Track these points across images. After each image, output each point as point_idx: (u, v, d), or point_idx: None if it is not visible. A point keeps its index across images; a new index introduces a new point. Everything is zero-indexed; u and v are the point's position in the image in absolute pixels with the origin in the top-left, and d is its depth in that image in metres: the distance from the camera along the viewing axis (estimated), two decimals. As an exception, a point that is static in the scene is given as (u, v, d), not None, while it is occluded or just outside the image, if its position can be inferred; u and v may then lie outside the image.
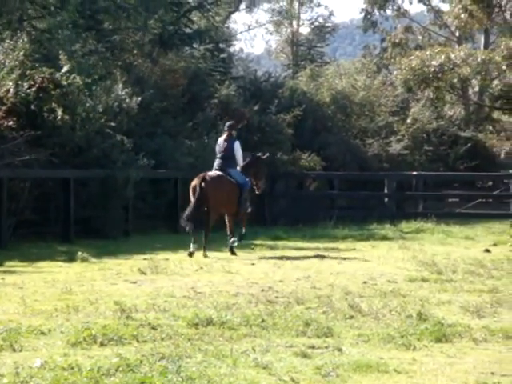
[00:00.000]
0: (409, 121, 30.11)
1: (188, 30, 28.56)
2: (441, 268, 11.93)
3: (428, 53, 30.47)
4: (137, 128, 20.22)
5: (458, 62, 29.88)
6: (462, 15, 34.08)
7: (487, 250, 15.45)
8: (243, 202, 15.01)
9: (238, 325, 7.52)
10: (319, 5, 54.44)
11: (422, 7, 48.98)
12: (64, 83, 17.17)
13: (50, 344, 6.73)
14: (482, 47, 38.44)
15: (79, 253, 13.05)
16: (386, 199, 23.53)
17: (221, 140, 15.25)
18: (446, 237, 18.58)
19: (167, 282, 10.56)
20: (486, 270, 11.95)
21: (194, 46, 28.32)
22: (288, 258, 13.99)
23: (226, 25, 43.61)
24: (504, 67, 30.25)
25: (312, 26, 53.20)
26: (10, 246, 14.78)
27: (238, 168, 15.11)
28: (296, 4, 52.60)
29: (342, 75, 32.49)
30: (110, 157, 17.84)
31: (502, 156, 34.17)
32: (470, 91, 39.31)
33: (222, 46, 33.67)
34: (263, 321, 7.72)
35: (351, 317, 8.10)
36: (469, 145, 31.68)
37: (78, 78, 17.46)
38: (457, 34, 42.15)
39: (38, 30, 22.73)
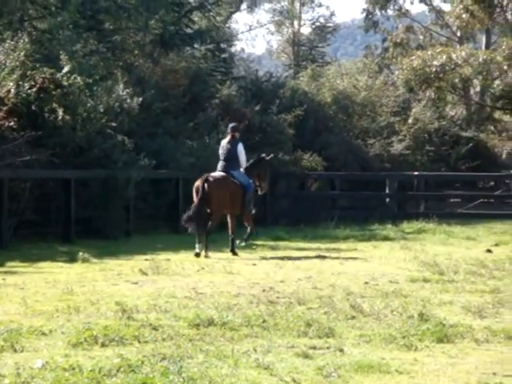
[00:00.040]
0: (410, 121, 30.10)
1: (189, 30, 28.55)
2: (442, 268, 11.92)
3: (429, 53, 30.49)
4: (138, 128, 20.21)
5: (460, 62, 29.89)
6: (464, 15, 34.07)
7: (489, 251, 15.44)
8: (247, 203, 15.02)
9: (239, 325, 7.51)
10: (320, 5, 54.45)
11: (423, 7, 49.04)
12: (65, 83, 17.17)
13: (51, 345, 6.72)
14: (483, 47, 38.42)
15: (80, 253, 13.03)
16: (388, 199, 23.52)
17: (224, 142, 15.25)
18: (448, 237, 18.57)
19: (168, 283, 10.55)
20: (487, 271, 11.94)
21: (195, 46, 28.32)
22: (289, 258, 13.99)
23: (227, 25, 43.58)
24: (505, 67, 30.26)
25: (313, 26, 53.20)
26: (11, 247, 14.77)
27: (242, 169, 15.12)
28: (297, 4, 52.60)
29: (343, 75, 32.49)
30: (111, 157, 17.83)
31: (504, 156, 34.16)
32: (472, 91, 39.30)
33: (223, 46, 33.67)
34: (264, 321, 7.71)
35: (353, 317, 8.08)
36: (470, 145, 31.66)
37: (78, 79, 17.46)
38: (458, 34, 42.13)
39: (38, 30, 22.73)
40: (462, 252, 15.30)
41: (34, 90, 16.62)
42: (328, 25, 53.47)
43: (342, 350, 6.63)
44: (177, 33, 27.34)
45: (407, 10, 46.15)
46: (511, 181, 28.62)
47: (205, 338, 7.03)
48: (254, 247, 15.51)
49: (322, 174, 24.59)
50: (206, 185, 14.46)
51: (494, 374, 6.04)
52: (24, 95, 16.51)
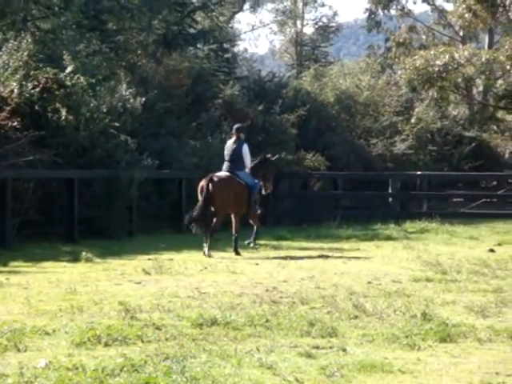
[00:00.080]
0: (413, 120, 30.07)
1: (192, 31, 28.57)
2: (445, 268, 11.91)
3: (432, 52, 30.46)
4: (141, 128, 20.23)
5: (462, 62, 29.87)
6: (466, 15, 34.06)
7: (492, 250, 15.43)
8: (253, 203, 15.04)
9: (242, 325, 7.52)
10: (323, 5, 54.37)
11: (425, 7, 48.96)
12: (68, 83, 17.18)
13: (55, 344, 6.73)
14: (486, 47, 38.39)
15: (83, 253, 13.05)
16: (391, 199, 23.51)
17: (229, 143, 15.27)
18: (451, 237, 18.56)
19: (171, 283, 10.56)
20: (490, 270, 11.93)
21: (198, 46, 28.34)
22: (292, 258, 13.98)
23: (229, 25, 43.62)
24: (508, 67, 30.23)
25: (316, 26, 53.19)
26: (15, 247, 14.78)
27: (247, 170, 15.14)
28: (300, 4, 52.59)
29: (346, 75, 32.47)
30: (114, 157, 17.85)
31: (507, 156, 34.13)
32: (475, 91, 39.28)
33: (225, 46, 33.68)
34: (267, 321, 7.71)
35: (356, 317, 8.09)
36: (473, 144, 31.64)
37: (82, 79, 17.48)
38: (461, 33, 42.10)
39: (42, 30, 22.76)
40: (464, 251, 15.29)
41: (37, 89, 16.64)
42: (331, 24, 53.48)
43: (344, 350, 6.63)
44: (180, 33, 27.36)
45: (410, 10, 46.12)
46: (514, 180, 28.60)
47: (208, 337, 7.04)
48: (257, 247, 15.51)
49: (325, 173, 24.58)
50: (210, 185, 14.49)
51: (497, 373, 6.04)
52: (27, 95, 16.54)
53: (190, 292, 9.66)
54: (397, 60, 40.38)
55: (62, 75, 17.21)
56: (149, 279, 10.95)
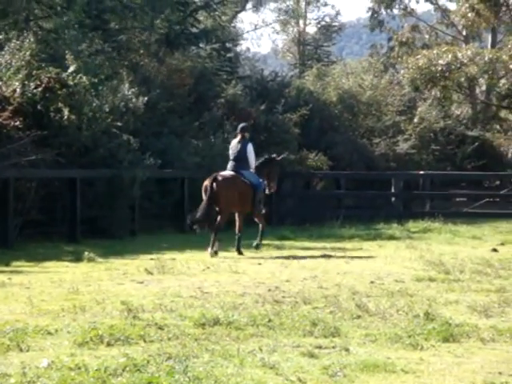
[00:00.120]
0: (416, 120, 30.06)
1: (194, 30, 28.58)
2: (448, 268, 11.90)
3: (435, 52, 30.43)
4: (143, 128, 20.23)
5: (465, 61, 29.83)
6: (469, 14, 34.02)
7: (494, 250, 15.41)
8: (257, 203, 15.04)
9: (244, 325, 7.51)
10: (326, 4, 54.49)
11: (428, 6, 48.98)
12: (70, 83, 17.19)
13: (57, 344, 6.73)
14: (489, 46, 38.37)
15: (86, 253, 13.04)
16: (393, 199, 23.49)
17: (234, 142, 15.27)
18: (454, 236, 18.55)
19: (174, 282, 10.56)
20: (493, 270, 11.92)
21: (201, 45, 28.34)
22: (295, 257, 13.98)
23: (232, 24, 43.60)
24: (511, 66, 30.18)
25: (319, 26, 53.19)
26: (17, 246, 14.79)
27: (252, 169, 15.13)
28: (303, 3, 52.58)
29: (348, 74, 32.47)
30: (117, 156, 17.85)
31: (510, 155, 34.09)
32: (478, 90, 39.26)
33: (228, 45, 33.68)
34: (270, 321, 7.71)
35: (358, 316, 8.08)
36: (476, 144, 31.62)
37: (84, 78, 17.48)
38: (464, 32, 42.06)
39: (44, 29, 22.77)
40: (467, 251, 15.27)
41: (40, 89, 16.65)
42: (333, 24, 53.46)
43: (347, 350, 6.62)
44: (182, 32, 27.36)
45: (413, 9, 46.10)
46: (517, 180, 28.56)
47: (210, 337, 7.03)
48: (260, 247, 15.50)
49: (328, 173, 24.57)
50: (214, 184, 14.49)
51: (500, 373, 6.02)
52: (30, 95, 16.54)
53: (193, 292, 9.66)
54: (399, 59, 40.32)
55: (64, 75, 17.21)
56: (151, 279, 10.95)
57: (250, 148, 15.07)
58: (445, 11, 45.39)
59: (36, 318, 7.83)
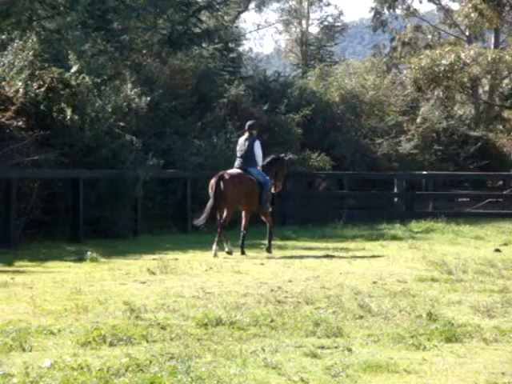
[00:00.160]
0: (418, 120, 30.07)
1: (197, 30, 28.60)
2: (451, 268, 11.88)
3: (438, 52, 30.44)
4: (146, 128, 20.24)
5: (468, 61, 29.83)
6: (472, 14, 34.01)
7: (497, 250, 15.39)
8: (264, 201, 15.02)
9: (247, 325, 7.51)
10: (328, 4, 54.38)
11: (431, 6, 49.15)
12: (73, 83, 17.20)
13: (60, 344, 6.73)
14: (492, 46, 38.34)
15: (88, 253, 13.04)
16: (396, 199, 23.48)
17: (241, 140, 15.27)
18: (456, 236, 18.53)
19: (176, 282, 10.55)
20: (496, 270, 11.90)
21: (203, 45, 28.37)
22: (297, 257, 13.97)
23: (235, 24, 43.60)
24: (514, 66, 30.18)
25: (321, 26, 53.19)
26: (20, 246, 14.79)
27: (259, 167, 15.13)
28: (305, 3, 52.57)
29: (351, 74, 32.46)
30: (119, 157, 17.86)
31: (513, 155, 34.10)
32: (480, 90, 39.26)
33: (231, 45, 33.69)
34: (272, 321, 7.71)
35: (361, 317, 8.07)
36: (479, 144, 31.62)
37: (87, 78, 17.49)
38: (467, 33, 42.05)
39: (47, 30, 22.79)
40: (470, 251, 15.26)
41: (43, 89, 16.66)
42: (336, 24, 53.47)
43: (350, 350, 6.62)
44: (185, 32, 27.39)
45: (415, 9, 46.13)
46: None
47: (213, 337, 7.03)
48: (262, 247, 15.50)
49: (330, 173, 24.57)
50: (221, 182, 14.50)
51: (503, 373, 6.02)
52: (32, 95, 16.55)
53: (195, 292, 9.65)
54: (402, 59, 40.39)
55: (67, 75, 17.23)
56: (154, 279, 10.95)
57: (257, 145, 15.05)
58: (448, 11, 45.40)
59: (39, 318, 7.83)
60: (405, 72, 35.52)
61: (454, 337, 7.12)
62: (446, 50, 30.73)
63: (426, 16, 49.92)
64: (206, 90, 24.15)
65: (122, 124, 18.24)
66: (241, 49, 42.37)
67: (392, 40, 46.93)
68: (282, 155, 16.27)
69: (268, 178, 15.20)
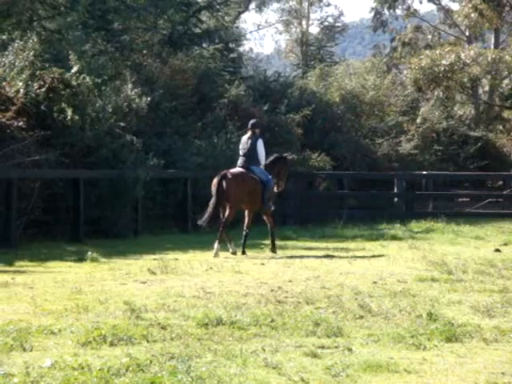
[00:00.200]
0: (419, 120, 30.08)
1: (197, 30, 28.61)
2: (451, 268, 11.88)
3: (438, 52, 30.45)
4: (146, 128, 20.25)
5: (468, 62, 29.84)
6: (472, 14, 34.02)
7: (497, 250, 15.40)
8: (266, 200, 15.03)
9: (247, 325, 7.52)
10: (329, 4, 54.42)
11: (431, 6, 49.18)
12: (74, 83, 17.21)
13: (60, 344, 6.74)
14: (492, 46, 38.35)
15: (89, 253, 13.05)
16: (396, 199, 23.49)
17: (244, 138, 15.28)
18: (456, 236, 18.53)
19: (177, 282, 10.56)
20: (496, 270, 11.90)
21: (204, 45, 28.37)
22: (297, 257, 13.98)
23: (235, 25, 43.61)
24: (514, 66, 30.19)
25: (322, 26, 53.21)
26: (20, 246, 14.80)
27: (262, 166, 15.14)
28: (305, 3, 52.58)
29: (351, 75, 32.48)
30: (120, 157, 17.86)
31: (513, 155, 34.11)
32: (480, 90, 39.27)
33: (231, 45, 33.70)
34: (273, 321, 7.71)
35: (361, 317, 8.08)
36: (479, 144, 31.63)
37: (87, 78, 17.50)
38: (467, 33, 42.06)
39: (47, 30, 22.80)
40: (470, 251, 15.27)
41: (43, 89, 16.67)
42: (336, 24, 53.49)
43: (350, 350, 6.63)
44: (185, 32, 27.40)
45: (416, 10, 46.16)
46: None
47: (213, 337, 7.04)
48: (262, 247, 15.52)
49: (330, 173, 24.58)
50: (223, 182, 14.51)
51: (503, 373, 6.02)
52: (33, 95, 16.56)
53: (196, 292, 9.66)
54: (402, 60, 40.39)
55: (67, 75, 17.23)
56: (154, 279, 10.96)
57: (260, 144, 15.06)
58: (448, 11, 45.41)
59: (39, 318, 7.84)
60: (405, 72, 35.54)
61: (454, 337, 7.13)
62: (446, 50, 30.74)
63: (426, 16, 49.95)
64: (207, 90, 24.16)
65: (122, 124, 18.25)
66: (241, 49, 42.39)
67: (392, 40, 46.95)
68: (286, 155, 16.28)
69: (270, 176, 15.21)
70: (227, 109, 23.61)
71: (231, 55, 32.21)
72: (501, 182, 31.23)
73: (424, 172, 25.46)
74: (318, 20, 53.43)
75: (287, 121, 24.46)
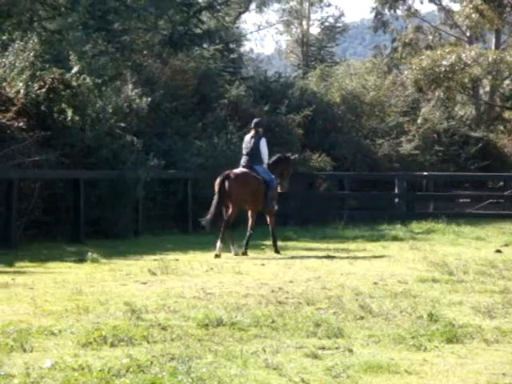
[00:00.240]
0: (419, 121, 30.07)
1: (198, 31, 28.61)
2: (452, 268, 11.87)
3: (439, 53, 30.47)
4: (147, 128, 20.24)
5: (469, 62, 29.86)
6: (473, 15, 34.04)
7: (498, 251, 15.39)
8: (269, 199, 15.01)
9: (248, 325, 7.51)
10: (329, 5, 54.43)
11: (432, 7, 49.17)
12: (74, 84, 17.21)
13: (61, 344, 6.73)
14: (493, 47, 38.36)
15: (89, 253, 13.04)
16: (397, 199, 23.49)
17: (247, 137, 15.28)
18: (457, 237, 18.52)
19: (177, 283, 10.55)
20: (497, 271, 11.90)
21: (204, 46, 28.38)
22: (298, 258, 13.97)
23: (235, 25, 43.62)
24: (515, 67, 30.19)
25: (322, 26, 53.21)
26: (20, 247, 14.79)
27: (265, 165, 15.13)
28: (306, 4, 52.59)
29: (352, 75, 32.47)
30: (120, 157, 17.86)
31: (513, 156, 34.10)
32: (481, 91, 39.26)
33: (231, 46, 33.71)
34: (273, 321, 7.70)
35: (362, 317, 8.07)
36: (480, 145, 31.62)
37: (88, 79, 17.50)
38: (468, 33, 42.06)
39: (48, 30, 22.80)
40: (471, 252, 15.26)
41: (44, 90, 16.67)
42: (337, 25, 53.49)
43: (351, 351, 6.62)
44: (186, 33, 27.39)
45: (416, 10, 46.15)
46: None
47: (214, 338, 7.03)
48: (263, 247, 15.51)
49: (331, 173, 24.57)
50: (226, 182, 14.50)
51: (504, 374, 6.02)
52: (33, 95, 16.56)
53: (196, 292, 9.65)
54: (403, 60, 40.40)
55: (68, 75, 17.23)
56: (155, 280, 10.95)
57: (263, 143, 15.05)
58: (448, 12, 45.42)
59: (39, 319, 7.84)
60: (406, 73, 35.51)
61: (455, 337, 7.12)
62: (447, 50, 30.75)
63: (426, 17, 49.95)
64: (207, 91, 24.16)
65: (122, 125, 18.24)
66: (242, 49, 42.44)
67: (393, 41, 46.97)
68: (289, 155, 16.26)
69: (273, 176, 15.21)
70: (228, 109, 23.61)
71: (232, 56, 32.22)
72: (502, 183, 31.20)
73: (425, 173, 25.45)
74: (319, 20, 53.47)
75: (288, 121, 24.46)
